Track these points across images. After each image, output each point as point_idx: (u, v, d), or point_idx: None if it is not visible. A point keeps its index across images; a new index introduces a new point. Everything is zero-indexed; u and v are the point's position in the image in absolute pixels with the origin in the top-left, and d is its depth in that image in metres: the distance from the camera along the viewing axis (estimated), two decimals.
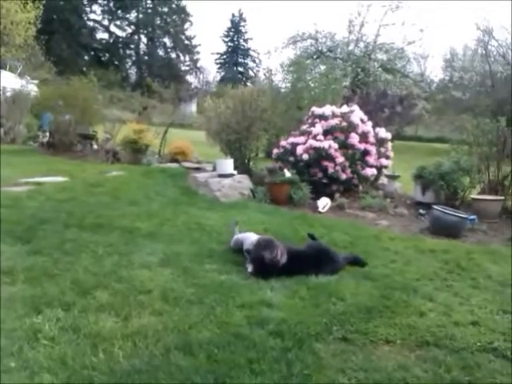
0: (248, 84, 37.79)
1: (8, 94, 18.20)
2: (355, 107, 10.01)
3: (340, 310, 3.87)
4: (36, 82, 21.31)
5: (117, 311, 3.59)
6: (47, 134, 15.32)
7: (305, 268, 4.70)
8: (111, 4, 55.16)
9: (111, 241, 5.40)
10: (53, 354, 2.95)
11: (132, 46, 57.93)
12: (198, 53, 60.03)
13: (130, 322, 3.43)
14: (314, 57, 23.29)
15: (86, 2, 52.85)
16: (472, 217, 7.55)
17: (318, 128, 9.33)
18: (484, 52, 28.52)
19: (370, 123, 9.77)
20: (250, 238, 5.19)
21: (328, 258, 4.93)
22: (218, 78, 62.69)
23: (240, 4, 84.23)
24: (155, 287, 4.10)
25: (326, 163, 8.94)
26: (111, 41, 56.20)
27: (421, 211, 8.29)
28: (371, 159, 9.34)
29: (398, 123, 23.45)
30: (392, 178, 9.86)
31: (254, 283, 4.39)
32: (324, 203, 8.32)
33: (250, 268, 4.68)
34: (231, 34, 64.79)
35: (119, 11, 55.91)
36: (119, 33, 56.63)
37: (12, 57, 17.76)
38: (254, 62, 64.29)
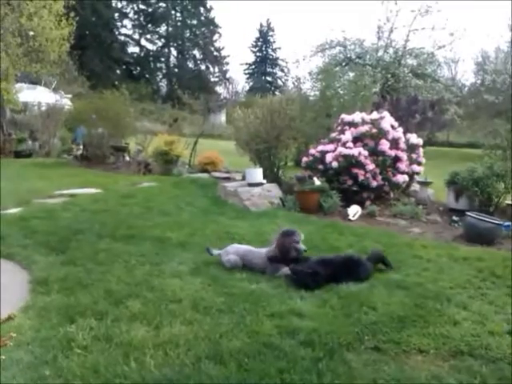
0: (277, 93, 37.90)
1: (43, 108, 18.73)
2: (385, 113, 9.89)
3: (372, 319, 3.82)
4: (70, 96, 21.92)
5: (148, 320, 3.63)
6: (81, 146, 15.70)
7: (338, 276, 4.70)
8: (141, 18, 56.32)
9: (143, 251, 5.48)
10: (86, 363, 3.00)
11: (162, 59, 58.85)
12: (227, 64, 60.64)
13: (162, 331, 3.47)
14: (343, 64, 23.15)
15: (117, 17, 54.14)
16: (507, 223, 7.35)
17: (348, 135, 9.26)
18: None
19: (400, 129, 9.64)
20: (252, 250, 5.30)
21: (356, 263, 4.96)
22: (247, 87, 63.16)
23: (268, 14, 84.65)
24: (186, 296, 4.14)
25: (356, 170, 8.86)
26: (142, 54, 57.22)
27: (454, 218, 8.12)
28: (402, 165, 9.20)
29: (429, 129, 23.04)
30: (424, 184, 9.69)
31: (283, 292, 4.39)
32: (354, 211, 8.25)
33: (284, 270, 4.81)
34: (259, 43, 65.23)
35: (149, 25, 56.99)
36: (150, 46, 57.76)
37: (47, 72, 18.28)
38: (282, 71, 64.49)
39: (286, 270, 4.84)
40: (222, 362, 3.09)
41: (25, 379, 2.83)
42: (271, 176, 10.07)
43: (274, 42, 65.10)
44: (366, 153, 8.92)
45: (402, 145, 9.40)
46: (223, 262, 5.14)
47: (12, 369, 2.91)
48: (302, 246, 5.05)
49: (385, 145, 9.07)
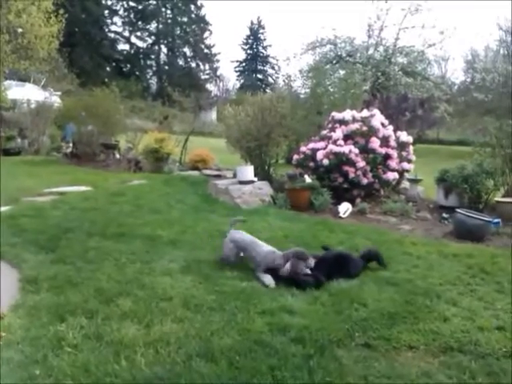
0: (267, 91, 37.88)
1: (32, 105, 18.58)
2: (376, 111, 9.93)
3: (362, 315, 3.84)
4: (59, 93, 21.76)
5: (139, 319, 3.62)
6: (70, 144, 15.61)
7: (329, 273, 4.70)
8: (132, 15, 56.02)
9: (133, 249, 5.45)
10: (76, 362, 2.98)
11: (152, 57, 58.58)
12: (217, 61, 60.51)
13: (152, 330, 3.46)
14: (334, 62, 23.18)
15: (107, 14, 53.82)
16: (496, 220, 7.42)
17: (338, 133, 9.28)
18: (506, 52, 28.04)
19: (390, 127, 9.69)
20: (256, 244, 5.06)
21: (346, 260, 4.99)
22: (238, 85, 63.14)
23: (259, 12, 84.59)
24: (177, 294, 4.13)
25: (346, 168, 8.89)
26: (132, 52, 56.92)
27: (444, 215, 8.18)
28: (393, 163, 9.24)
29: (419, 126, 23.19)
30: (414, 181, 9.75)
31: (274, 290, 4.40)
32: (345, 208, 8.27)
33: (267, 279, 4.61)
34: (250, 41, 65.17)
35: (139, 22, 56.69)
36: (140, 44, 57.48)
37: (36, 70, 18.18)
38: (273, 68, 64.54)
39: (268, 279, 4.63)
40: (213, 359, 3.09)
41: (15, 378, 2.81)
42: (262, 174, 10.07)
43: (265, 39, 65.18)
44: (356, 150, 8.94)
45: (393, 142, 9.44)
46: (224, 246, 5.15)
47: (2, 368, 2.89)
48: (310, 279, 4.53)
49: (375, 142, 9.10)
